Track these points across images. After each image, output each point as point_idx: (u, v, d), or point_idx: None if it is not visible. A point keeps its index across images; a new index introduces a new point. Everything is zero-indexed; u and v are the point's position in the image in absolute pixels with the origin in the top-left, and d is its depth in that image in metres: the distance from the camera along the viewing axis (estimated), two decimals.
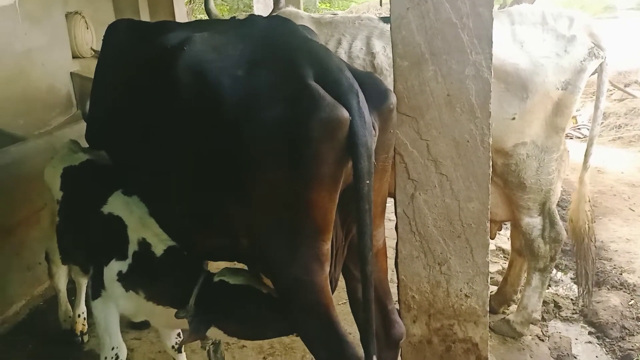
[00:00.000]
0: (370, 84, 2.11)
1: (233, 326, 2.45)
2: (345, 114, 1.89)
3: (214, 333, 2.50)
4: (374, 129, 2.01)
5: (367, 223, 1.96)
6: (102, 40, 3.17)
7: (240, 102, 2.00)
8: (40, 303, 4.16)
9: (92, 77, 6.04)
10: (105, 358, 2.72)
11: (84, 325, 3.72)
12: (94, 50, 6.97)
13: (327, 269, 2.10)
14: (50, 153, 4.15)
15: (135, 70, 2.58)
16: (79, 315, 3.70)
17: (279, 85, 1.98)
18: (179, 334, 3.10)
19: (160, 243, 2.57)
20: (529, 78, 3.28)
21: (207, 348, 2.75)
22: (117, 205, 2.68)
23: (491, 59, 2.62)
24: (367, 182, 1.93)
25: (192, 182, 2.28)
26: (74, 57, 6.91)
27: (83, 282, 3.64)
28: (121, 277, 2.57)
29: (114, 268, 2.57)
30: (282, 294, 2.23)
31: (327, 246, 2.07)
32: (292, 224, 2.02)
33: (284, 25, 2.31)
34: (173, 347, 3.10)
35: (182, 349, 3.14)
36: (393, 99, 2.16)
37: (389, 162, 2.34)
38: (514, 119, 3.33)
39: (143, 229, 2.60)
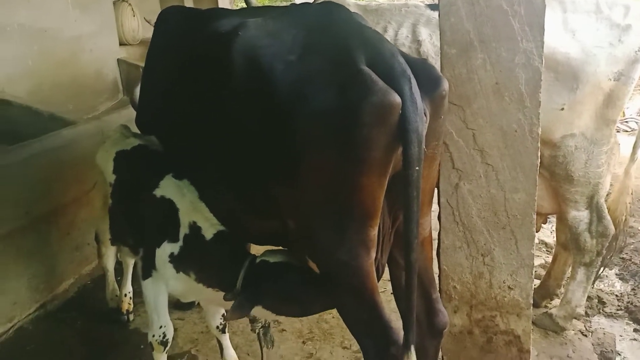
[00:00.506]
0: (422, 70, 2.09)
1: (279, 304, 2.49)
2: (397, 99, 1.88)
3: (261, 313, 2.55)
4: (425, 115, 1.99)
5: (414, 210, 1.96)
6: (154, 27, 3.23)
7: (293, 87, 2.01)
8: (88, 282, 4.30)
9: (138, 63, 6.21)
10: (153, 336, 2.81)
11: (129, 304, 3.83)
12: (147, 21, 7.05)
13: (374, 254, 2.10)
14: (98, 137, 4.30)
15: (188, 56, 2.62)
16: (125, 295, 3.81)
17: (331, 70, 1.99)
18: (223, 315, 3.16)
19: (210, 227, 2.62)
20: (580, 68, 3.20)
21: (257, 331, 2.78)
22: (169, 188, 2.74)
23: (542, 47, 2.56)
24: (417, 168, 1.92)
25: (242, 166, 2.32)
26: (121, 44, 7.08)
27: (130, 263, 3.76)
28: (173, 259, 2.64)
29: (166, 250, 2.64)
30: (327, 278, 2.25)
31: (375, 232, 2.07)
32: (340, 208, 2.02)
33: (336, 11, 2.30)
34: (217, 327, 3.16)
35: (226, 330, 3.20)
36: (445, 85, 2.13)
37: (439, 150, 2.32)
38: (562, 109, 3.25)
39: (194, 212, 2.65)
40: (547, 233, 5.26)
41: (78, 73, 5.94)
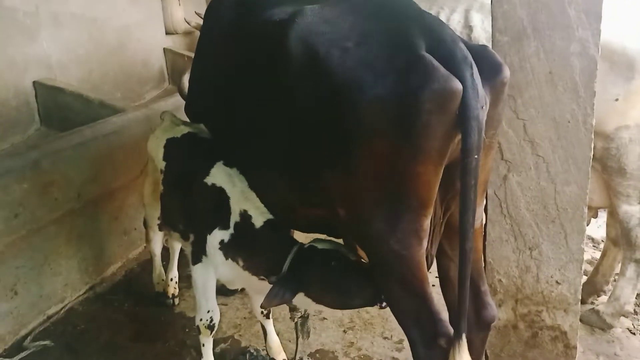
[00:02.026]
0: (483, 56, 2.05)
1: (321, 293, 2.49)
2: (458, 86, 1.84)
3: (302, 302, 2.56)
4: (485, 102, 1.95)
5: (471, 199, 1.93)
6: (205, 15, 3.26)
7: (350, 73, 1.99)
8: (135, 266, 4.40)
9: (184, 52, 6.28)
10: (201, 320, 2.86)
11: (175, 288, 3.90)
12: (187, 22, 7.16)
13: (425, 244, 2.08)
14: (146, 124, 4.40)
15: (242, 43, 2.63)
16: (171, 279, 3.89)
17: (390, 56, 1.96)
18: None
19: (260, 215, 2.64)
20: (636, 58, 3.10)
21: (295, 320, 2.80)
22: (220, 176, 2.77)
23: (599, 36, 2.49)
24: (476, 157, 1.88)
25: (294, 153, 2.32)
26: (167, 33, 7.19)
27: (177, 248, 3.84)
28: (222, 246, 2.68)
29: (217, 236, 2.68)
30: (377, 267, 2.24)
31: (427, 221, 2.05)
32: (395, 196, 2.01)
33: None
34: (262, 312, 3.19)
35: (270, 316, 3.24)
36: (506, 72, 2.08)
37: (496, 139, 2.27)
38: (617, 100, 3.15)
39: (245, 201, 2.68)
40: (594, 228, 5.12)
41: (126, 61, 6.08)
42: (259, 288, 2.70)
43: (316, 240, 2.59)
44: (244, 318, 3.77)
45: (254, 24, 2.58)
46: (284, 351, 3.31)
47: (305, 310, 2.82)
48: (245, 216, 2.66)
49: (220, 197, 2.72)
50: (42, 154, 3.65)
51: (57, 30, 5.30)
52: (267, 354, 3.32)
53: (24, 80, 4.98)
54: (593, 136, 2.66)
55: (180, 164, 3.03)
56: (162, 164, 3.14)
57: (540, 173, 2.75)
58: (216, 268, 2.75)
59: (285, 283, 2.46)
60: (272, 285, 2.48)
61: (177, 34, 7.29)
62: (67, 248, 3.81)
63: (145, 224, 3.73)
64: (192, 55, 3.74)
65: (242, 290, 3.93)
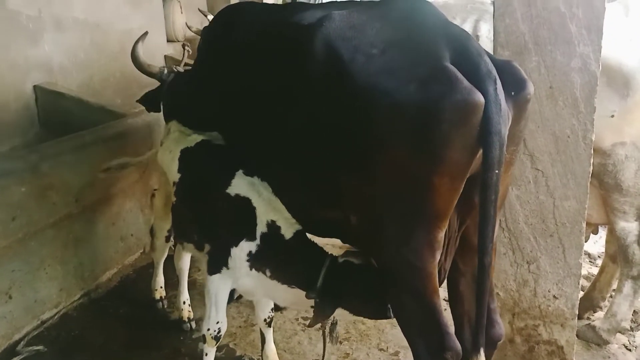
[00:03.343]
0: (507, 72, 2.03)
1: (359, 306, 2.48)
2: (480, 99, 1.83)
3: (339, 314, 2.54)
4: (508, 118, 1.94)
5: (491, 214, 1.91)
6: (215, 21, 3.27)
7: (373, 79, 1.99)
8: (131, 272, 4.38)
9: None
10: (208, 329, 2.83)
11: (190, 312, 3.77)
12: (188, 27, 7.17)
13: (438, 257, 2.06)
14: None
15: (264, 47, 2.61)
16: (184, 302, 3.77)
17: (414, 65, 1.96)
18: (272, 310, 3.17)
19: (290, 227, 2.60)
20: (632, 75, 3.11)
21: (323, 328, 2.75)
22: (244, 186, 2.71)
23: (600, 52, 2.52)
24: (497, 172, 1.87)
25: (312, 156, 2.30)
26: (168, 40, 7.20)
27: (185, 269, 3.75)
28: (250, 257, 2.64)
29: (244, 248, 2.63)
30: (388, 276, 2.22)
31: (442, 234, 2.03)
32: (411, 206, 1.99)
33: (423, 6, 2.26)
34: (265, 320, 3.17)
35: (272, 324, 3.22)
36: (530, 88, 2.06)
37: (517, 155, 2.25)
38: (613, 116, 3.16)
39: (272, 211, 2.64)
40: (591, 243, 5.13)
41: (127, 67, 6.03)
42: (284, 297, 2.69)
43: (347, 252, 2.55)
44: (239, 327, 3.75)
45: (277, 29, 2.57)
46: None
47: (334, 317, 2.77)
48: (273, 227, 2.61)
49: (245, 207, 2.66)
50: (41, 158, 3.64)
51: (60, 34, 5.31)
52: None
53: (24, 84, 4.97)
54: (592, 152, 2.67)
55: (197, 175, 2.96)
56: (176, 177, 3.05)
57: (540, 187, 2.76)
58: (237, 280, 2.71)
59: (325, 301, 2.46)
60: (307, 300, 2.49)
61: (178, 41, 7.29)
62: (63, 253, 3.79)
63: (152, 232, 3.69)
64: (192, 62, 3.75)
65: (238, 298, 3.91)
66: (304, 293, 2.54)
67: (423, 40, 2.05)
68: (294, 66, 2.33)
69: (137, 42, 3.80)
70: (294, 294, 2.59)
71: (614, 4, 3.19)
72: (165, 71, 3.80)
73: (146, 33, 3.84)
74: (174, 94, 3.68)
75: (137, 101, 4.02)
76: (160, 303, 3.90)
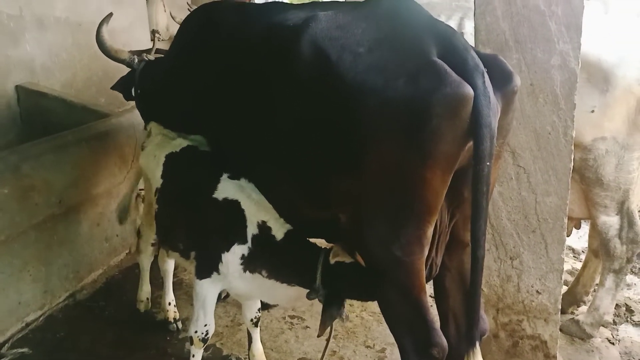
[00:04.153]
0: (494, 65, 2.06)
1: (361, 294, 2.49)
2: (470, 91, 1.85)
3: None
4: (497, 110, 1.96)
5: (483, 206, 1.93)
6: (185, 21, 3.24)
7: (361, 77, 2.00)
8: (116, 273, 4.36)
9: None
10: (196, 332, 2.83)
11: (175, 312, 3.76)
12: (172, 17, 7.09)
13: (427, 252, 2.07)
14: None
15: (248, 48, 2.60)
16: (169, 304, 3.76)
17: (402, 61, 1.97)
18: (259, 309, 3.18)
19: (281, 227, 2.60)
20: (610, 70, 3.15)
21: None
22: (231, 190, 2.70)
23: (579, 49, 2.54)
24: (488, 164, 1.89)
25: (299, 155, 2.30)
26: (151, 39, 7.15)
27: (170, 270, 3.73)
28: (244, 260, 2.63)
29: (237, 252, 2.62)
30: (377, 272, 2.22)
31: (431, 229, 2.04)
32: (401, 201, 2.00)
33: (407, 5, 2.27)
34: (252, 320, 3.18)
35: (258, 324, 3.22)
36: (517, 81, 2.09)
37: (504, 148, 2.28)
38: (593, 111, 3.20)
39: (262, 212, 2.63)
40: (575, 239, 5.19)
41: (110, 66, 5.95)
42: (283, 295, 2.69)
43: (336, 247, 2.54)
44: (226, 326, 3.75)
45: (260, 29, 2.56)
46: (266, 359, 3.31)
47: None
48: (264, 228, 2.60)
49: (234, 210, 2.65)
50: (22, 158, 3.59)
51: (41, 33, 5.25)
52: None
53: (6, 84, 4.91)
54: (573, 147, 2.70)
55: (183, 181, 2.92)
56: (159, 182, 3.01)
57: (521, 183, 2.78)
58: (230, 283, 2.70)
59: (330, 304, 2.45)
60: (309, 296, 2.50)
61: (162, 40, 7.24)
62: (47, 254, 3.76)
63: (138, 234, 3.65)
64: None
65: (225, 298, 3.91)
66: (304, 289, 2.54)
67: (410, 37, 2.06)
68: (280, 66, 2.33)
69: (100, 25, 3.71)
70: (293, 291, 2.60)
71: (593, 2, 3.23)
72: (136, 59, 3.74)
73: (110, 14, 3.78)
74: (146, 86, 3.65)
75: (111, 88, 3.98)
76: (146, 314, 3.79)
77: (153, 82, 3.56)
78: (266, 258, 2.62)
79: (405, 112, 1.90)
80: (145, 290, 3.82)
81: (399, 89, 1.91)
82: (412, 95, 1.88)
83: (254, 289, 2.73)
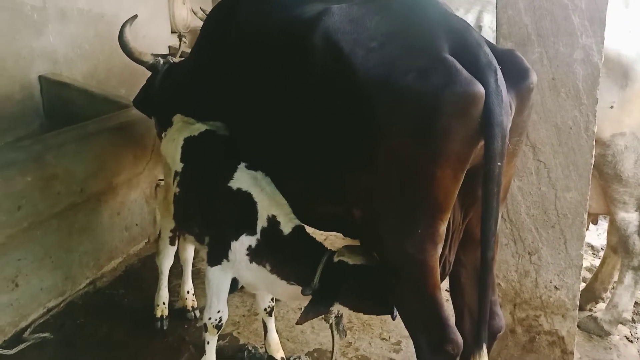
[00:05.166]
0: (510, 61, 2.02)
1: (356, 302, 2.48)
2: (480, 90, 1.81)
3: (336, 307, 2.54)
4: (511, 108, 1.92)
5: (493, 206, 1.90)
6: (216, 12, 3.26)
7: (372, 73, 1.98)
8: (135, 261, 4.42)
9: (188, 51, 6.21)
10: (210, 318, 2.85)
11: (193, 301, 3.80)
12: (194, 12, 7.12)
13: (440, 250, 2.05)
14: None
15: (264, 41, 2.60)
16: (187, 292, 3.79)
17: (412, 57, 1.94)
18: (272, 299, 3.20)
19: (289, 222, 2.60)
20: (630, 65, 3.11)
21: (330, 321, 2.73)
22: (246, 180, 2.70)
23: (603, 43, 2.52)
24: (499, 164, 1.86)
25: (313, 149, 2.30)
26: (172, 32, 7.20)
27: (189, 260, 3.74)
28: (250, 251, 2.64)
29: (244, 243, 2.64)
30: (389, 269, 2.21)
31: (444, 227, 2.01)
32: (412, 199, 1.98)
33: None
34: (265, 309, 3.21)
35: (273, 313, 3.25)
36: (533, 78, 2.04)
37: (520, 146, 2.22)
38: (612, 107, 3.16)
39: (274, 206, 2.63)
40: (594, 236, 5.14)
41: None
42: (284, 291, 2.69)
43: (343, 250, 2.52)
44: (243, 316, 3.79)
45: (279, 22, 2.55)
46: (282, 349, 3.33)
47: (339, 310, 2.76)
48: (273, 222, 2.61)
49: (246, 202, 2.66)
50: (46, 148, 3.66)
51: (64, 25, 5.31)
52: (266, 351, 3.33)
53: (29, 75, 4.99)
54: (594, 143, 2.68)
55: (201, 165, 2.93)
56: (178, 166, 3.02)
57: (541, 178, 2.77)
58: (238, 272, 2.72)
59: (320, 299, 2.45)
60: (304, 296, 2.48)
61: (177, 33, 7.29)
62: (68, 242, 3.82)
63: (159, 234, 3.61)
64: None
65: (242, 288, 3.94)
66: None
67: (422, 32, 2.03)
68: (294, 60, 2.32)
69: (123, 26, 3.67)
70: (293, 289, 2.59)
71: None
72: (161, 61, 3.74)
73: (135, 16, 3.76)
74: (170, 84, 3.64)
75: (133, 103, 4.01)
76: (160, 322, 3.64)
77: (179, 77, 3.57)
78: (271, 252, 2.63)
79: (414, 110, 1.88)
80: (163, 294, 3.69)
81: (409, 85, 1.88)
82: (421, 92, 1.85)
83: (259, 281, 2.74)
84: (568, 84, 2.59)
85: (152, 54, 3.81)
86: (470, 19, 3.53)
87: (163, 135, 3.39)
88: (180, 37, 4.23)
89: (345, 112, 2.09)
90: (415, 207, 1.99)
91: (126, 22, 3.69)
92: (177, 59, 3.88)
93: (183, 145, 3.04)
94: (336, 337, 2.80)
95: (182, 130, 3.13)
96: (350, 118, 2.07)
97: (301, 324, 2.57)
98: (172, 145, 3.12)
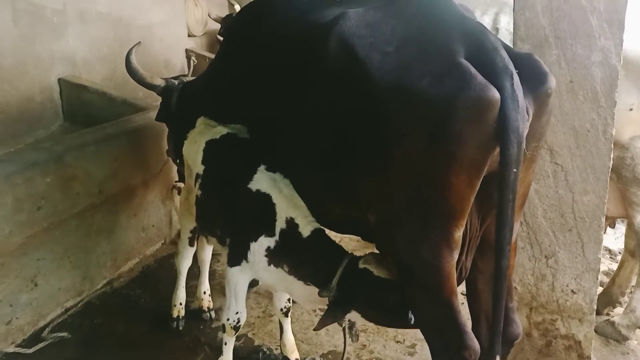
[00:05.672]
0: (528, 65, 1.99)
1: (373, 314, 2.47)
2: (495, 95, 1.79)
3: (352, 316, 2.53)
4: (528, 114, 1.88)
5: (508, 214, 1.88)
6: (240, 17, 3.29)
7: (388, 77, 1.98)
8: (152, 262, 4.46)
9: (205, 54, 6.28)
10: (228, 319, 2.88)
11: (209, 301, 3.82)
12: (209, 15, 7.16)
13: (456, 256, 2.03)
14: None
15: (281, 44, 2.62)
16: (204, 292, 3.82)
17: (427, 61, 1.93)
18: (288, 300, 3.22)
19: (308, 224, 2.61)
20: None
21: (343, 326, 2.75)
22: (265, 182, 2.73)
23: (621, 45, 2.50)
24: (514, 170, 1.83)
25: (329, 153, 2.30)
26: (188, 35, 7.26)
27: (207, 261, 3.77)
28: (268, 253, 2.66)
29: (263, 244, 2.66)
30: (405, 275, 2.20)
31: (460, 233, 1.99)
32: (427, 205, 1.97)
33: (438, 2, 2.23)
34: (282, 310, 3.23)
35: (289, 314, 3.27)
36: (552, 82, 2.00)
37: (539, 152, 2.18)
38: (631, 109, 3.13)
39: (292, 208, 2.65)
40: (611, 239, 5.09)
41: (148, 61, 6.13)
42: (301, 292, 2.70)
43: (370, 257, 2.50)
44: (258, 317, 3.80)
45: (298, 29, 2.57)
46: (297, 350, 3.34)
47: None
48: (291, 224, 2.62)
49: (265, 203, 2.68)
50: (66, 149, 3.71)
51: (83, 28, 5.38)
52: (281, 352, 3.35)
53: (49, 77, 5.06)
54: (612, 146, 2.66)
55: (222, 168, 2.95)
56: (200, 168, 3.04)
57: (559, 181, 2.75)
58: (257, 273, 2.75)
59: (337, 305, 2.46)
60: (321, 299, 2.49)
61: (192, 36, 7.34)
62: (86, 242, 3.87)
63: (180, 235, 3.63)
64: (213, 56, 3.75)
65: (257, 291, 3.96)
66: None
67: (437, 36, 2.03)
68: (311, 64, 2.34)
69: (128, 55, 3.70)
70: (310, 291, 2.60)
71: None
72: (176, 82, 3.78)
73: (138, 43, 3.84)
74: (188, 98, 3.68)
75: (156, 119, 4.07)
76: (176, 323, 3.66)
77: (199, 87, 3.61)
78: (289, 254, 2.64)
79: (429, 115, 1.86)
80: (180, 295, 3.70)
81: (423, 90, 1.87)
82: (435, 97, 1.84)
83: (277, 282, 2.76)
84: (586, 86, 2.57)
85: (162, 78, 3.85)
86: (487, 21, 3.53)
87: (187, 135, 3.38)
88: (189, 58, 4.25)
89: (360, 117, 2.09)
90: (429, 213, 1.97)
91: (131, 49, 3.73)
92: (189, 78, 3.93)
93: (204, 148, 3.07)
94: (348, 340, 2.82)
95: (204, 132, 3.15)
96: (365, 122, 2.07)
97: (319, 330, 2.57)
98: (194, 147, 3.14)
